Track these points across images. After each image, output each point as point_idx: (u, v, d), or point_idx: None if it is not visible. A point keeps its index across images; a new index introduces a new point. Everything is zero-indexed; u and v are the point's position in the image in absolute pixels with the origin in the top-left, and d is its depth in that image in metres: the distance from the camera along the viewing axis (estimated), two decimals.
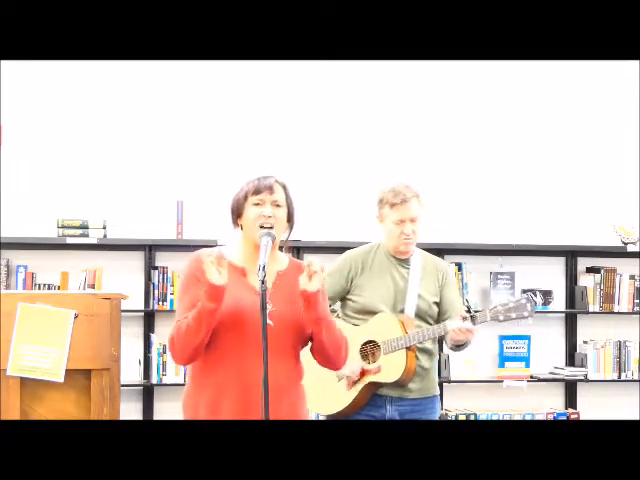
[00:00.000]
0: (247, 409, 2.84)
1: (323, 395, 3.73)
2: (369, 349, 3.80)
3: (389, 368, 3.72)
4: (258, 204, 2.95)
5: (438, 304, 3.85)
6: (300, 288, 2.84)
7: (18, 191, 5.74)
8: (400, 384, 3.74)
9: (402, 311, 3.78)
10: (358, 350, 3.78)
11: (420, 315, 3.79)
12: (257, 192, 2.96)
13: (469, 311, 3.72)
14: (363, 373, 3.76)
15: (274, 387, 2.76)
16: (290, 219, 3.03)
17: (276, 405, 2.78)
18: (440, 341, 6.04)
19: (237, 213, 3.00)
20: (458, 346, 3.80)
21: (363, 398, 3.76)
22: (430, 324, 3.80)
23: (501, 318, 3.75)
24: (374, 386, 3.74)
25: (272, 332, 2.80)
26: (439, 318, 3.83)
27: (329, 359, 3.02)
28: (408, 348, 3.72)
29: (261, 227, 2.92)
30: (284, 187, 3.02)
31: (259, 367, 2.78)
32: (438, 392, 3.93)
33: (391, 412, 3.77)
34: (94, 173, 5.84)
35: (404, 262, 3.85)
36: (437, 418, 3.93)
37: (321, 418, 4.05)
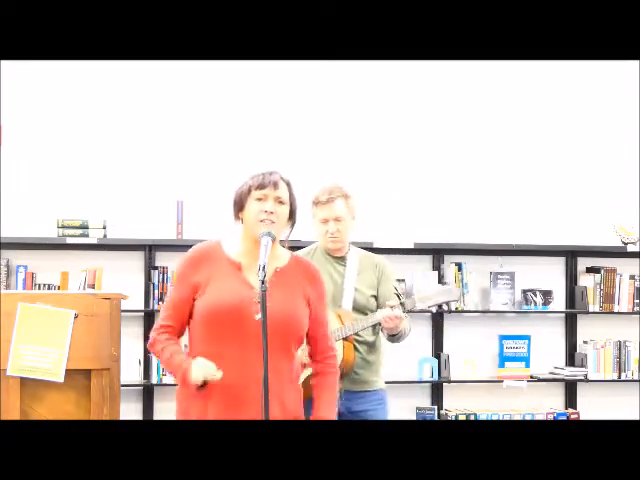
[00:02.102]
0: (234, 407, 2.84)
1: None
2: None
3: None
4: (261, 199, 2.95)
5: (376, 297, 3.95)
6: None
7: (18, 191, 5.74)
8: (340, 375, 3.78)
9: (340, 305, 3.89)
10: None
11: (358, 308, 3.91)
12: (261, 187, 2.95)
13: (399, 298, 3.84)
14: (303, 366, 3.80)
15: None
16: (292, 216, 3.03)
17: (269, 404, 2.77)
18: (439, 342, 6.07)
19: (239, 206, 3.00)
20: (393, 336, 3.89)
21: (306, 392, 3.78)
22: None
23: (430, 303, 3.90)
24: None
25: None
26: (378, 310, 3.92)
27: None
28: (345, 339, 3.83)
29: (261, 222, 2.92)
30: (288, 184, 3.02)
31: (249, 364, 2.80)
32: (384, 386, 4.00)
33: (337, 406, 3.81)
34: (94, 173, 5.84)
35: (340, 259, 3.99)
36: (386, 413, 3.97)
37: None
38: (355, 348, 3.88)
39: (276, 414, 2.84)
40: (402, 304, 3.81)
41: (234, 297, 2.88)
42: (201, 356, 2.89)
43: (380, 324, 3.84)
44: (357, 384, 3.88)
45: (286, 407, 2.92)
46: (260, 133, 5.99)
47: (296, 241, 5.39)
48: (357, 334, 3.86)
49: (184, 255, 3.03)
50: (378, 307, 3.93)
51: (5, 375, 3.18)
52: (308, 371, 3.76)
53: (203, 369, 2.81)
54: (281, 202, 2.97)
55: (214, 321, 2.87)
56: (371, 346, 3.94)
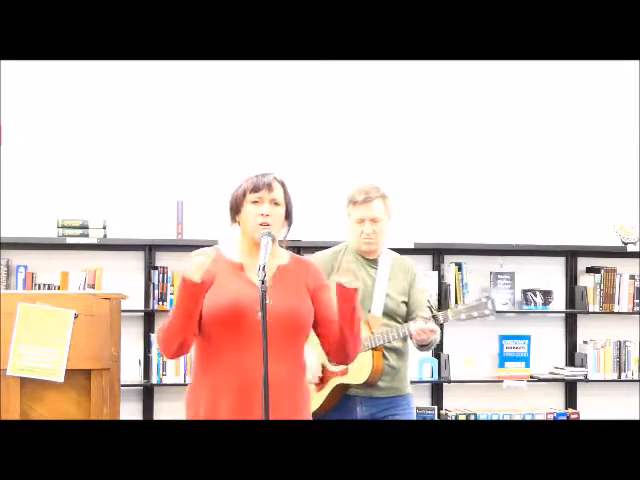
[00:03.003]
0: (245, 407, 2.83)
1: None
2: None
3: (356, 369, 3.68)
4: (256, 202, 2.95)
5: (407, 303, 3.86)
6: (337, 281, 2.88)
7: (18, 191, 5.74)
8: (369, 384, 3.73)
9: (369, 311, 3.78)
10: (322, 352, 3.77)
11: (388, 314, 3.80)
12: (256, 190, 2.95)
13: (431, 311, 3.74)
14: (330, 375, 3.75)
15: (274, 385, 2.73)
16: (288, 217, 3.03)
17: (277, 404, 2.75)
18: (439, 342, 6.07)
19: (235, 210, 3.00)
20: (423, 346, 3.80)
21: (333, 399, 3.74)
22: (399, 323, 3.81)
23: (463, 317, 3.77)
24: (343, 387, 3.73)
25: (270, 327, 2.74)
26: (407, 318, 3.84)
27: (345, 354, 3.04)
28: (374, 348, 3.73)
29: (260, 225, 2.92)
30: (283, 184, 3.02)
31: (257, 364, 2.77)
32: (410, 391, 3.90)
33: (362, 413, 3.76)
34: (94, 173, 5.84)
35: (372, 262, 3.86)
36: (412, 417, 3.91)
37: None
38: (383, 355, 3.77)
39: (285, 414, 2.83)
40: (434, 317, 3.70)
41: (238, 296, 2.88)
42: (209, 357, 2.90)
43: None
44: (383, 390, 3.78)
45: (296, 407, 2.91)
46: (260, 133, 5.99)
47: (296, 241, 5.43)
48: None
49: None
50: (408, 313, 3.84)
51: (5, 375, 3.18)
52: (336, 380, 3.74)
53: (194, 262, 2.80)
54: (276, 204, 2.97)
55: (220, 321, 2.87)
56: (399, 353, 3.84)
